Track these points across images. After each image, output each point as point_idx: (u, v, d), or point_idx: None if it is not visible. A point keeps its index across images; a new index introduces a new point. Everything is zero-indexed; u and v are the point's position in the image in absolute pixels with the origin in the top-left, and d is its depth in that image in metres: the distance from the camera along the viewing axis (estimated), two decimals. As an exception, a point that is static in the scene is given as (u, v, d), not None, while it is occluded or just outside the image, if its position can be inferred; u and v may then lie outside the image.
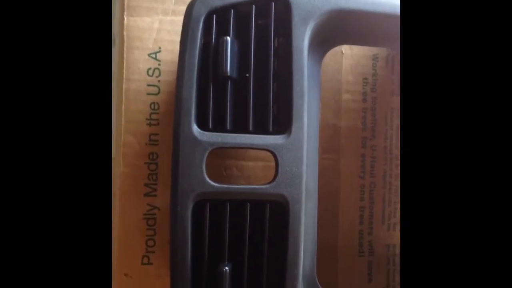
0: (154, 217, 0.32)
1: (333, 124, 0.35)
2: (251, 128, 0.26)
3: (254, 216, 0.26)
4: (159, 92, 0.32)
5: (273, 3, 0.26)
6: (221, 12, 0.26)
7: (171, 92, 0.32)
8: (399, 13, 0.24)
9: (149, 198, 0.32)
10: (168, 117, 0.31)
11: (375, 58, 0.36)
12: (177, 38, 0.26)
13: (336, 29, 0.29)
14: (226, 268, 0.25)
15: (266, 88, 0.26)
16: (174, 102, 0.25)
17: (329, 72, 0.35)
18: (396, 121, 0.36)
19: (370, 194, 0.36)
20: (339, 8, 0.27)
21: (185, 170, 0.25)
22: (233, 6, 0.26)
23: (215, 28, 0.26)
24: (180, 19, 0.26)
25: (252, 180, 0.33)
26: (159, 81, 0.32)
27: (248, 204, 0.26)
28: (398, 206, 0.36)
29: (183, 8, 0.27)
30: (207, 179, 0.25)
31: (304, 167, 0.26)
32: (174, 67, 0.31)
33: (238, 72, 0.26)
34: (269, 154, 0.26)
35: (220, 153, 0.33)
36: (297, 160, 0.26)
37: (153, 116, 0.32)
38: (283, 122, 0.26)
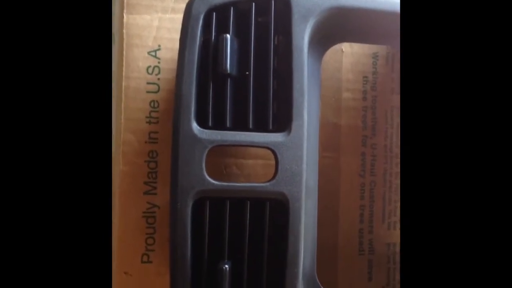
0: (153, 215, 0.32)
1: (333, 123, 0.35)
2: (251, 126, 0.26)
3: (254, 214, 0.26)
4: (158, 90, 0.32)
5: (273, 1, 0.26)
6: (220, 10, 0.26)
7: (170, 90, 0.32)
8: (399, 11, 0.24)
9: (148, 196, 0.32)
10: (167, 115, 0.31)
11: (375, 56, 0.36)
12: (177, 36, 0.26)
13: (336, 27, 0.29)
14: (226, 266, 0.25)
15: (266, 86, 0.26)
16: (173, 100, 0.25)
17: (329, 70, 0.35)
18: (396, 120, 0.36)
19: (370, 193, 0.36)
20: (339, 5, 0.27)
21: (184, 168, 0.25)
22: (233, 3, 0.26)
23: (214, 25, 0.26)
24: (179, 16, 0.26)
25: (252, 178, 0.33)
26: (158, 79, 0.32)
27: (248, 202, 0.26)
28: (398, 204, 0.36)
29: (182, 6, 0.27)
30: (207, 177, 0.25)
31: (304, 165, 0.26)
32: (173, 65, 0.31)
33: (238, 69, 0.26)
34: (269, 152, 0.26)
35: (220, 151, 0.33)
36: (297, 158, 0.26)
37: (153, 114, 0.32)
38: (283, 120, 0.26)
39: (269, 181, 0.26)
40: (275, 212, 0.26)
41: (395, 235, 0.36)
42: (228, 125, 0.26)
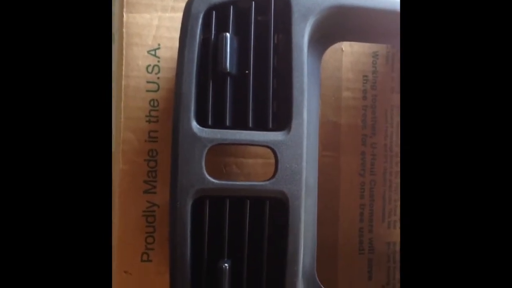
0: (153, 214, 0.32)
1: (333, 122, 0.35)
2: (250, 125, 0.26)
3: (254, 212, 0.26)
4: (158, 89, 0.32)
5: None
6: (220, 8, 0.26)
7: (170, 89, 0.31)
8: (399, 10, 0.24)
9: (148, 195, 0.32)
10: (167, 114, 0.31)
11: (375, 55, 0.36)
12: (177, 35, 0.26)
13: (336, 26, 0.29)
14: (226, 264, 0.25)
15: (266, 85, 0.26)
16: (173, 99, 0.25)
17: (329, 69, 0.35)
18: (396, 119, 0.36)
19: (370, 192, 0.36)
20: (339, 4, 0.27)
21: (184, 167, 0.25)
22: (233, 2, 0.26)
23: (214, 24, 0.26)
24: (179, 15, 0.26)
25: (252, 177, 0.33)
26: (158, 78, 0.32)
27: (248, 200, 0.26)
28: (398, 203, 0.36)
29: (182, 4, 0.27)
30: (207, 175, 0.25)
31: (304, 164, 0.26)
32: (173, 64, 0.31)
33: (238, 68, 0.26)
34: (268, 151, 0.26)
35: (219, 150, 0.33)
36: (296, 156, 0.26)
37: (153, 113, 0.32)
38: (282, 119, 0.26)
39: (269, 179, 0.26)
40: (275, 210, 0.26)
41: (395, 234, 0.36)
42: (227, 123, 0.26)
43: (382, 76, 0.36)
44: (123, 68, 0.31)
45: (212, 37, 0.26)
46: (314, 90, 0.30)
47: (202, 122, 0.25)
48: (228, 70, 0.25)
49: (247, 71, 0.26)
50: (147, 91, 0.32)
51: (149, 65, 0.32)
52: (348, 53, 0.35)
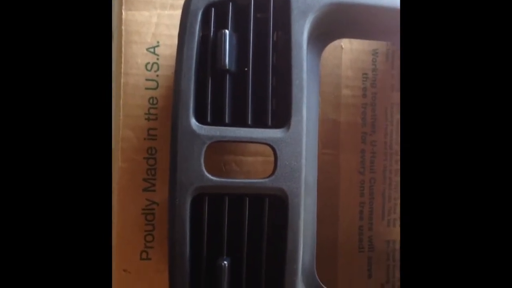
0: (152, 212, 0.32)
1: (333, 119, 0.35)
2: (249, 122, 0.26)
3: (253, 210, 0.26)
4: (157, 87, 0.32)
5: (272, -4, 0.26)
6: (219, 5, 0.26)
7: (169, 87, 0.31)
8: (399, 6, 0.24)
9: (147, 193, 0.32)
10: (166, 111, 0.31)
11: (375, 53, 0.36)
12: (176, 32, 0.26)
13: (336, 23, 0.29)
14: (225, 262, 0.24)
15: (265, 82, 0.26)
16: (172, 96, 0.25)
17: (329, 67, 0.35)
18: (396, 117, 0.36)
19: (370, 190, 0.36)
20: (339, 1, 0.26)
21: (183, 164, 0.24)
22: (232, -1, 0.26)
23: (213, 21, 0.26)
24: (178, 13, 0.26)
25: (252, 175, 0.33)
26: (157, 75, 0.32)
27: (247, 198, 0.26)
28: (398, 201, 0.36)
29: (181, 2, 0.27)
30: (206, 172, 0.25)
31: (303, 161, 0.26)
32: (172, 61, 0.31)
33: (237, 65, 0.26)
34: (268, 149, 0.26)
35: (219, 148, 0.33)
36: (296, 154, 0.26)
37: (152, 111, 0.31)
38: (282, 116, 0.26)
39: (268, 177, 0.25)
40: (274, 208, 0.26)
41: (395, 232, 0.36)
42: (227, 121, 0.26)
43: (382, 74, 0.36)
44: (122, 65, 0.31)
45: (211, 34, 0.26)
46: (313, 88, 0.29)
47: (201, 119, 0.25)
48: (227, 67, 0.25)
49: (246, 68, 0.26)
50: (146, 89, 0.32)
51: (148, 63, 0.32)
52: (348, 50, 0.35)
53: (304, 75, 0.26)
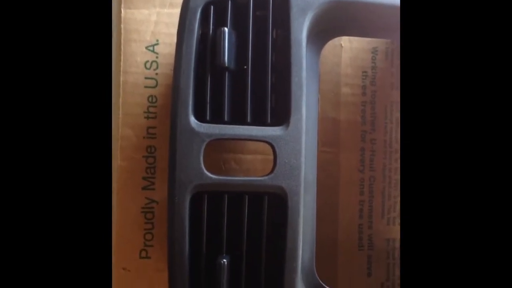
0: (152, 210, 0.32)
1: (332, 118, 0.35)
2: (249, 120, 0.26)
3: (252, 208, 0.26)
4: (156, 85, 0.32)
5: (271, -6, 0.26)
6: (218, 3, 0.26)
7: (168, 85, 0.31)
8: (399, 4, 0.24)
9: (147, 191, 0.32)
10: (166, 110, 0.31)
11: (374, 51, 0.36)
12: (175, 30, 0.26)
13: (335, 20, 0.28)
14: (224, 260, 0.24)
15: (264, 80, 0.26)
16: (171, 94, 0.25)
17: (328, 65, 0.35)
18: (396, 115, 0.36)
19: (369, 188, 0.36)
20: (338, -2, 0.26)
21: (182, 162, 0.24)
22: (231, -4, 0.26)
23: (212, 19, 0.26)
24: (177, 11, 0.26)
25: (251, 173, 0.33)
26: (156, 74, 0.32)
27: (246, 196, 0.26)
28: (398, 200, 0.36)
29: (180, 0, 0.27)
30: (205, 170, 0.25)
31: (303, 159, 0.26)
32: (171, 60, 0.31)
33: (236, 63, 0.26)
34: (267, 147, 0.26)
35: (218, 146, 0.32)
36: (295, 152, 0.25)
37: (151, 109, 0.31)
38: (281, 114, 0.26)
39: (267, 175, 0.25)
40: (273, 206, 0.26)
41: (395, 231, 0.36)
42: (226, 119, 0.25)
43: (382, 72, 0.36)
44: (121, 64, 0.31)
45: (210, 31, 0.26)
46: (313, 86, 0.29)
47: (200, 117, 0.25)
48: (226, 65, 0.25)
49: (245, 66, 0.26)
50: (146, 87, 0.31)
51: (147, 61, 0.31)
52: (347, 48, 0.35)
53: (304, 73, 0.26)
